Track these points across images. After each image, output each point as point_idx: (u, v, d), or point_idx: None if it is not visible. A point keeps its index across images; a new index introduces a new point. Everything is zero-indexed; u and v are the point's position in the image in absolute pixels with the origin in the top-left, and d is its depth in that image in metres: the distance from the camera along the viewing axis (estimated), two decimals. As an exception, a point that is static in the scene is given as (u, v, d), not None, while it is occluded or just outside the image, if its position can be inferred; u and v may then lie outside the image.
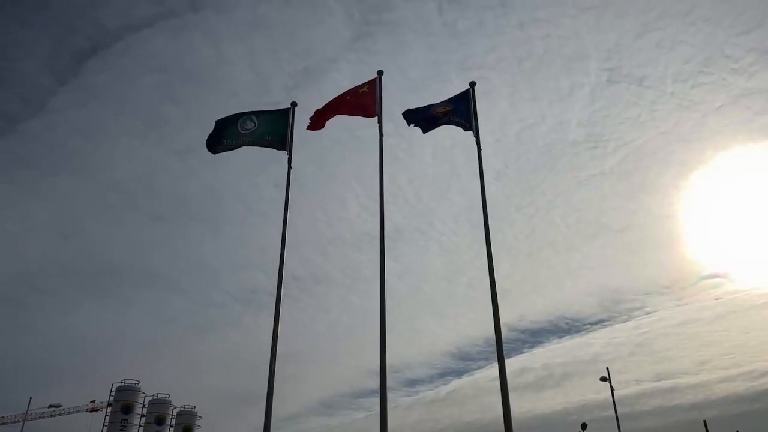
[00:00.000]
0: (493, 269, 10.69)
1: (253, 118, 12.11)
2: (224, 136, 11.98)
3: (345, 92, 12.41)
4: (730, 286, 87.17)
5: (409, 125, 12.32)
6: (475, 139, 11.76)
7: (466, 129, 11.98)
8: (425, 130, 12.31)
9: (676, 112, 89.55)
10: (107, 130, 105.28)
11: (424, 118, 12.28)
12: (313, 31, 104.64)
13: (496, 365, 9.46)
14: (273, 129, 12.00)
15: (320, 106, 12.45)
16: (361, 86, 12.28)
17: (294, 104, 12.51)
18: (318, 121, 12.27)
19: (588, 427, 24.70)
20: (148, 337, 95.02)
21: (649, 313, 79.58)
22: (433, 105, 12.34)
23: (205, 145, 11.87)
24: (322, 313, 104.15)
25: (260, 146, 12.08)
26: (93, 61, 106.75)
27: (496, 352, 9.66)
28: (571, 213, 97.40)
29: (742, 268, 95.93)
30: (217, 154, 11.96)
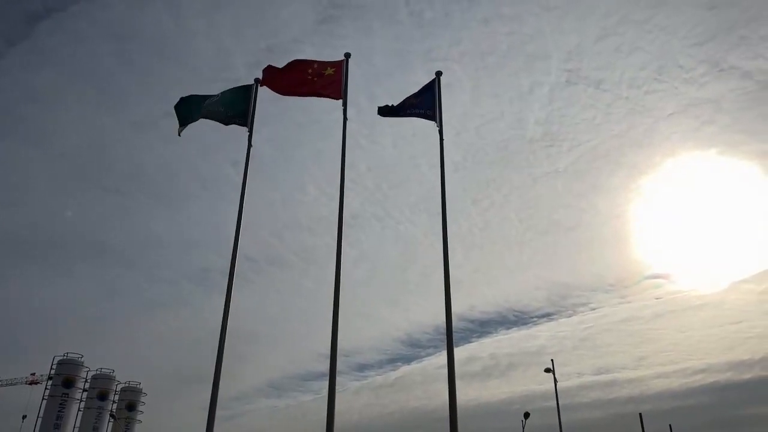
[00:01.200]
0: (447, 259, 10.75)
1: (216, 93, 11.77)
2: (190, 112, 11.55)
3: (308, 65, 12.04)
4: (670, 287, 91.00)
5: (381, 115, 12.12)
6: (437, 129, 11.73)
7: (429, 119, 11.92)
8: (387, 116, 12.14)
9: (630, 117, 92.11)
10: (59, 96, 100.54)
11: (392, 109, 12.12)
12: (279, 10, 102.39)
13: (444, 353, 9.56)
14: (234, 103, 11.67)
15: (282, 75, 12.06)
16: (326, 65, 12.01)
17: (257, 81, 12.15)
18: (273, 82, 11.92)
19: (530, 416, 25.45)
20: (94, 311, 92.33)
21: (594, 309, 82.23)
22: (407, 99, 12.17)
23: (163, 116, 11.45)
24: (274, 295, 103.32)
25: (219, 121, 11.73)
26: (46, 23, 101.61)
27: (446, 340, 9.75)
28: (524, 209, 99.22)
29: (682, 270, 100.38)
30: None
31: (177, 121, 11.37)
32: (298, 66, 12.04)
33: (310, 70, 11.97)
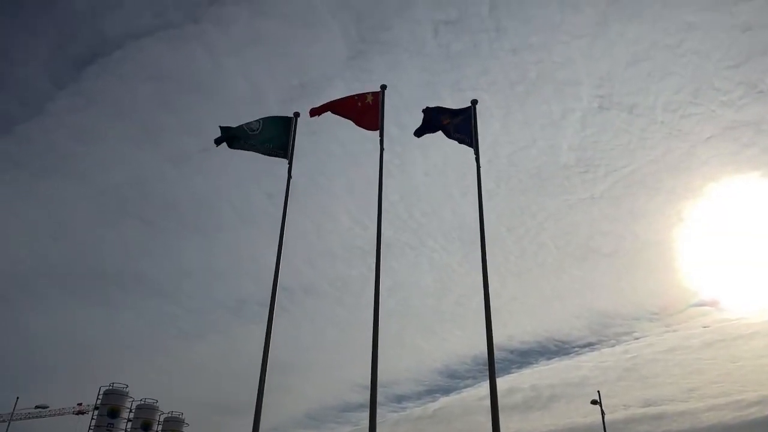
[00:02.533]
0: (488, 287, 10.51)
1: (260, 121, 12.10)
2: (233, 134, 11.87)
3: (353, 95, 12.41)
4: (717, 315, 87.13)
5: (419, 132, 12.22)
6: (474, 156, 11.70)
7: (468, 145, 11.93)
8: (421, 134, 12.26)
9: (666, 141, 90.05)
10: (103, 135, 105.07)
11: (429, 122, 12.21)
12: (310, 47, 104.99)
13: (484, 384, 9.30)
14: (275, 135, 11.97)
15: (317, 118, 12.45)
16: (366, 95, 12.25)
17: (297, 114, 12.46)
18: (322, 111, 12.33)
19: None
20: (136, 342, 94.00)
21: (638, 339, 79.20)
22: (441, 111, 12.24)
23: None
24: (309, 325, 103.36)
25: (261, 153, 12.00)
26: (92, 68, 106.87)
27: (487, 370, 9.47)
28: (561, 235, 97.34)
29: (729, 298, 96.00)
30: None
31: (222, 138, 11.66)
32: (345, 99, 12.45)
33: (356, 97, 12.35)
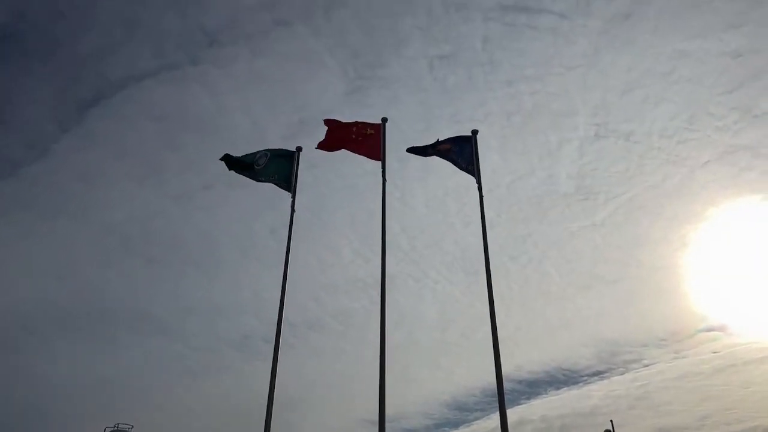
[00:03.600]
0: (495, 317, 10.43)
1: (266, 153, 12.42)
2: (241, 162, 12.27)
3: (351, 125, 12.65)
4: (727, 340, 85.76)
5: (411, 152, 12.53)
6: (477, 186, 11.79)
7: (469, 173, 12.09)
8: (425, 155, 12.44)
9: (664, 167, 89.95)
10: (106, 174, 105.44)
11: (424, 149, 12.52)
12: (309, 84, 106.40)
13: (493, 416, 9.13)
14: (280, 168, 12.19)
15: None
16: (366, 126, 12.46)
17: (299, 149, 12.68)
18: (325, 144, 12.63)
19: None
20: (142, 381, 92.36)
21: (647, 366, 77.69)
22: (438, 141, 12.51)
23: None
24: (314, 360, 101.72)
25: (270, 182, 12.33)
26: (95, 110, 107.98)
27: (497, 401, 9.32)
28: (564, 264, 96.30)
29: (737, 322, 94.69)
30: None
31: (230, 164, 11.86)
32: (342, 127, 12.68)
33: (354, 129, 12.57)
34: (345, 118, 12.62)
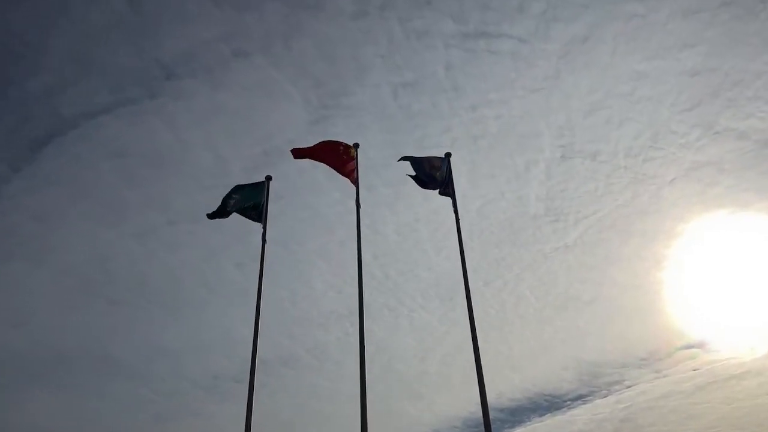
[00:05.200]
0: (477, 342, 10.18)
1: (235, 194, 12.44)
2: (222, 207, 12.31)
3: (337, 144, 12.58)
4: (706, 356, 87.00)
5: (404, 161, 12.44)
6: (453, 208, 11.75)
7: (444, 194, 12.06)
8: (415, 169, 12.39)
9: (632, 186, 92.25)
10: (63, 214, 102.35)
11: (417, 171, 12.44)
12: (271, 115, 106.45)
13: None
14: (249, 198, 12.05)
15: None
16: (349, 148, 12.39)
17: (269, 178, 12.54)
18: (304, 154, 12.59)
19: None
20: (106, 429, 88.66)
21: (629, 387, 77.98)
22: (426, 163, 12.43)
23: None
24: (289, 398, 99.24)
25: (243, 215, 12.27)
26: (49, 148, 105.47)
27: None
28: (539, 286, 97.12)
29: (716, 337, 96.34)
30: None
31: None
32: (328, 145, 12.63)
33: (341, 148, 12.56)
34: (309, 146, 12.49)
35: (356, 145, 12.70)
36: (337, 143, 12.55)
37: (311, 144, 12.44)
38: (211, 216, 12.03)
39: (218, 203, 12.16)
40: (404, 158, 12.32)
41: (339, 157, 12.32)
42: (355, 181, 12.15)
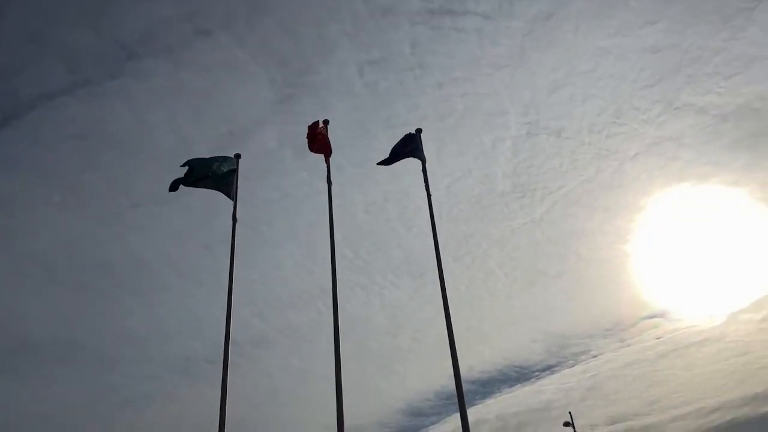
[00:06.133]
0: (450, 317, 10.30)
1: (213, 158, 11.99)
2: (193, 174, 11.73)
3: (316, 125, 12.41)
4: (668, 325, 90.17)
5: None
6: (422, 170, 11.91)
7: (415, 157, 12.22)
8: (386, 164, 12.51)
9: (596, 161, 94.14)
10: (24, 200, 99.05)
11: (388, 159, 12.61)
12: (236, 94, 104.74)
13: (449, 419, 9.10)
14: (226, 173, 11.74)
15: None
16: (318, 125, 12.25)
17: (238, 156, 12.30)
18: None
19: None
20: (77, 417, 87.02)
21: (595, 357, 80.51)
22: (396, 148, 12.57)
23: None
24: (263, 378, 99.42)
25: (219, 190, 11.85)
26: (5, 131, 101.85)
27: (457, 403, 9.21)
28: (507, 261, 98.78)
29: (677, 307, 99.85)
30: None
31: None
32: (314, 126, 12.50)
33: (318, 127, 12.38)
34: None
35: (326, 122, 12.63)
36: (315, 123, 12.43)
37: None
38: (174, 186, 11.57)
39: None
40: (382, 163, 12.48)
41: (317, 136, 12.18)
42: (328, 156, 12.09)
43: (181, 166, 11.53)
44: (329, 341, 9.89)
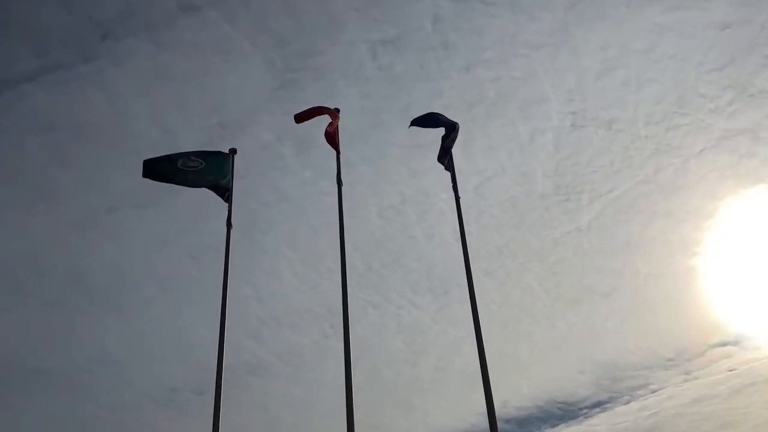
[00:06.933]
0: (482, 343, 10.23)
1: (197, 158, 12.03)
2: (161, 169, 11.83)
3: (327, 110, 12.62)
4: (743, 355, 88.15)
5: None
6: (452, 186, 11.86)
7: (441, 163, 12.20)
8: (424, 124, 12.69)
9: (654, 158, 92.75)
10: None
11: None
12: (227, 80, 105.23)
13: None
14: (220, 173, 11.81)
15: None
16: (330, 110, 12.34)
17: (233, 151, 12.40)
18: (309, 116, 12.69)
19: None
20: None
21: (655, 391, 78.98)
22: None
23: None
24: (258, 411, 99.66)
25: (204, 187, 12.00)
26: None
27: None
28: (548, 276, 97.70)
29: (754, 333, 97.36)
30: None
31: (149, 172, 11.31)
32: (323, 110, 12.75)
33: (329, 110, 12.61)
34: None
35: (337, 110, 12.71)
36: (329, 110, 12.59)
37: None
38: (149, 169, 11.72)
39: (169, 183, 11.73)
40: (415, 122, 12.44)
41: (329, 118, 12.27)
42: (338, 152, 12.10)
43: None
44: (337, 369, 9.89)
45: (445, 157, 12.20)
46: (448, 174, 12.15)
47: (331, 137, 11.96)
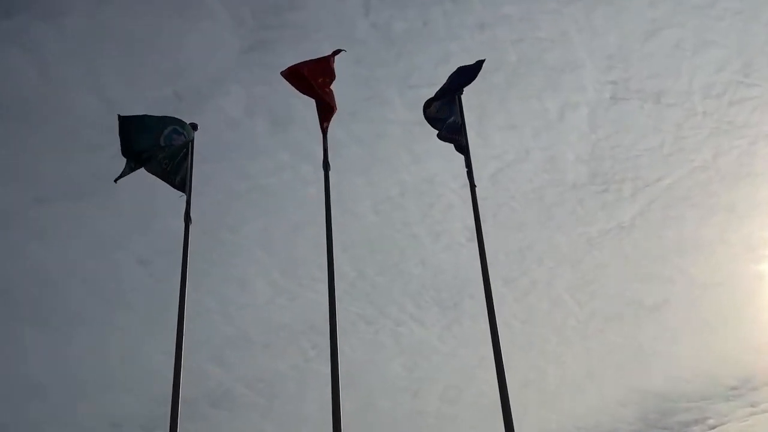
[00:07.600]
0: (502, 368, 10.24)
1: (180, 128, 12.07)
2: (140, 145, 11.54)
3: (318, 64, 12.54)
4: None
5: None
6: (467, 171, 11.76)
7: (450, 141, 12.12)
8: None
9: (713, 139, 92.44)
10: None
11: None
12: (186, 41, 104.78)
13: None
14: (174, 153, 11.75)
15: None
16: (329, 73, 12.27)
17: (194, 127, 12.31)
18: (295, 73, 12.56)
19: None
20: None
21: (715, 427, 79.41)
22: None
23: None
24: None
25: (164, 179, 11.99)
26: None
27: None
28: (582, 285, 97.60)
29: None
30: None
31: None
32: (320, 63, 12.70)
33: (320, 79, 12.50)
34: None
35: (336, 52, 12.93)
36: (322, 63, 12.63)
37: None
38: (128, 167, 11.40)
39: (117, 167, 11.24)
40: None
41: (321, 87, 12.26)
42: (325, 128, 12.17)
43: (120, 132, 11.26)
44: (322, 399, 9.93)
45: (451, 130, 12.07)
46: (460, 157, 11.97)
47: (322, 99, 11.95)
